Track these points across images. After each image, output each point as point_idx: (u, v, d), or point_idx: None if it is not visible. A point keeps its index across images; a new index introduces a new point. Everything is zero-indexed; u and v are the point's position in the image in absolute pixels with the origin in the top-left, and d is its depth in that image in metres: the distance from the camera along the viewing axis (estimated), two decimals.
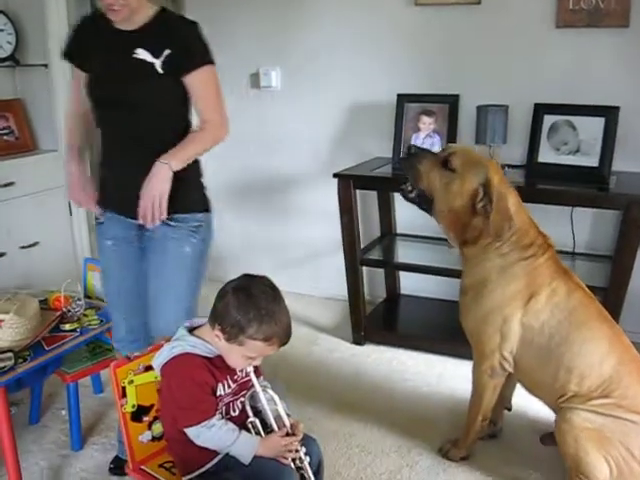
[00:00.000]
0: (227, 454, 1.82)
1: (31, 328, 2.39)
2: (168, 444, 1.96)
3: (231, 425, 1.82)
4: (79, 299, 2.75)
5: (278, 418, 1.87)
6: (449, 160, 2.35)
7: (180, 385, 1.81)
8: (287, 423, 1.86)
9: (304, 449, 1.85)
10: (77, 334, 2.57)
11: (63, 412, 2.87)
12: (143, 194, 2.09)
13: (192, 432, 1.80)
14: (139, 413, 1.97)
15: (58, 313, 2.61)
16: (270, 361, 3.37)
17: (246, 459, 1.79)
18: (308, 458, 1.85)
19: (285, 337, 1.84)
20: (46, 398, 3.00)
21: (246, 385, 1.92)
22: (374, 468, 2.58)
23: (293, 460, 1.83)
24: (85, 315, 2.69)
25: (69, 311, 2.65)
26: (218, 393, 1.83)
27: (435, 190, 2.38)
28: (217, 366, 1.84)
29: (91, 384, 3.07)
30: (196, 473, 1.85)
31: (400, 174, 3.48)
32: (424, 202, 2.46)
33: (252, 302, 1.78)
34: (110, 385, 2.05)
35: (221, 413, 1.85)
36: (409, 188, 2.49)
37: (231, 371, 1.88)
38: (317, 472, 1.92)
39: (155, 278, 2.27)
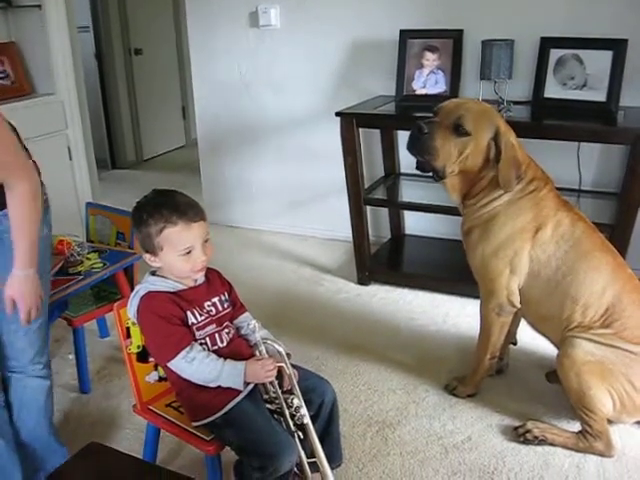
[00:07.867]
0: (234, 407, 1.82)
1: None
2: (175, 392, 1.97)
3: (214, 356, 1.82)
4: (82, 243, 2.74)
5: (255, 346, 1.90)
6: (461, 124, 2.28)
7: (148, 324, 1.83)
8: (263, 350, 1.88)
9: (298, 401, 1.84)
10: (81, 277, 2.58)
11: (70, 356, 2.88)
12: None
13: (175, 367, 1.81)
14: (144, 353, 1.98)
15: (62, 257, 2.61)
16: (275, 302, 3.41)
17: (239, 386, 1.81)
18: (304, 409, 1.83)
19: (183, 208, 1.82)
20: (53, 344, 3.00)
21: (227, 318, 1.94)
22: (381, 405, 2.60)
23: (292, 416, 1.83)
24: (88, 259, 2.69)
25: (72, 255, 2.64)
26: (190, 322, 1.84)
27: (450, 158, 2.31)
28: (182, 298, 1.85)
29: (97, 328, 3.08)
30: (205, 421, 1.86)
31: (404, 113, 3.45)
32: (436, 173, 2.38)
33: (140, 213, 1.84)
34: (116, 329, 2.04)
35: (206, 344, 1.85)
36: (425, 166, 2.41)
37: (199, 302, 1.88)
38: (331, 411, 1.96)
39: None
